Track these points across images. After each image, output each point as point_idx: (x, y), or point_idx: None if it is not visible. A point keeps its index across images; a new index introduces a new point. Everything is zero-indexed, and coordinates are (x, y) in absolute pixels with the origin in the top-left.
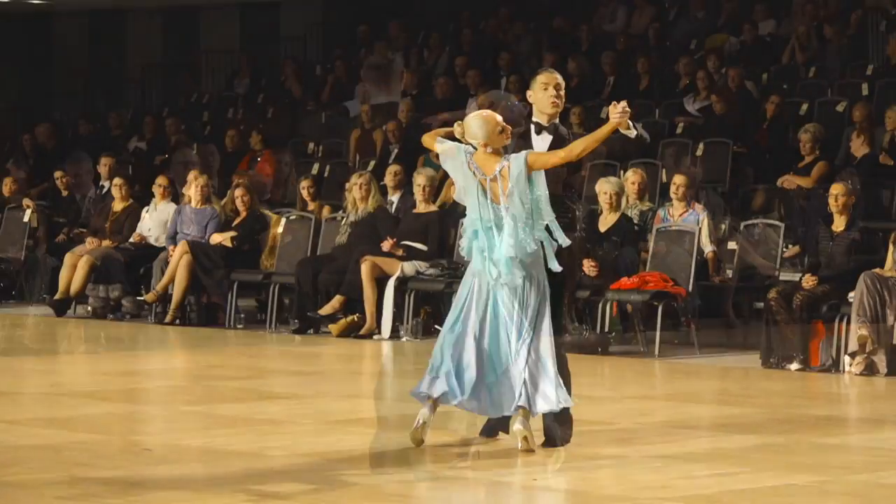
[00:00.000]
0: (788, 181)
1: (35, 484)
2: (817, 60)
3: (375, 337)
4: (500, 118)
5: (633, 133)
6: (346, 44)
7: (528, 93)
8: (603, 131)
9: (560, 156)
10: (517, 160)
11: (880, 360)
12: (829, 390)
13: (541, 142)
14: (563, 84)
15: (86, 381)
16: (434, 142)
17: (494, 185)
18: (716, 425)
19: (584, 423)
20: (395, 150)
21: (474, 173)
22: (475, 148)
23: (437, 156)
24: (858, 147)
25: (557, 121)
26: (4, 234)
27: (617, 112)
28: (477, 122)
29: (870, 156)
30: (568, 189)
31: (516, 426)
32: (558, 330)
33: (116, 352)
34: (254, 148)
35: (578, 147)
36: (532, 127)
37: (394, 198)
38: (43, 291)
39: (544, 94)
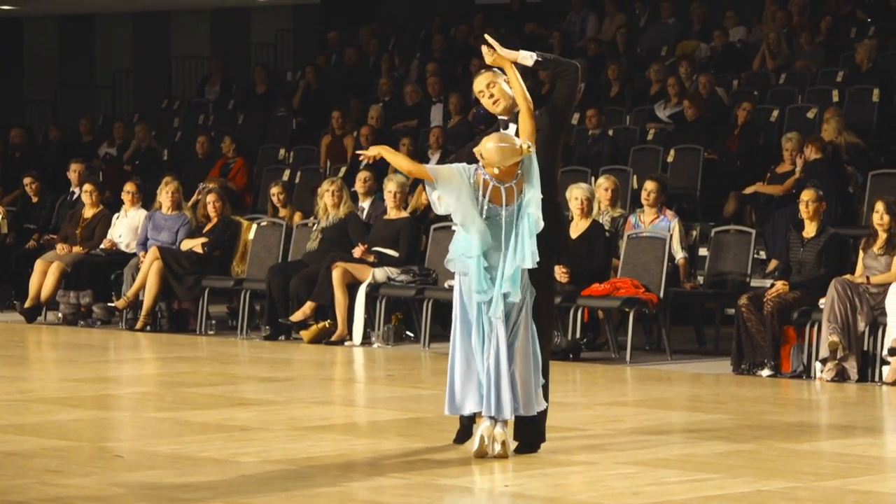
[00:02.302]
0: (760, 189)
1: (5, 490)
2: (788, 67)
3: (347, 343)
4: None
5: (524, 56)
6: (316, 50)
7: None
8: (511, 77)
9: (523, 110)
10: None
11: (851, 367)
12: (800, 396)
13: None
14: (495, 80)
15: (56, 388)
16: (425, 171)
17: (510, 189)
18: (687, 431)
19: (556, 429)
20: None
21: (481, 184)
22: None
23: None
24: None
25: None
26: None
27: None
28: (508, 145)
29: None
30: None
31: (497, 430)
32: (544, 330)
33: (87, 358)
34: (225, 154)
35: (520, 95)
36: (500, 124)
37: (364, 204)
38: (13, 298)
39: (483, 100)
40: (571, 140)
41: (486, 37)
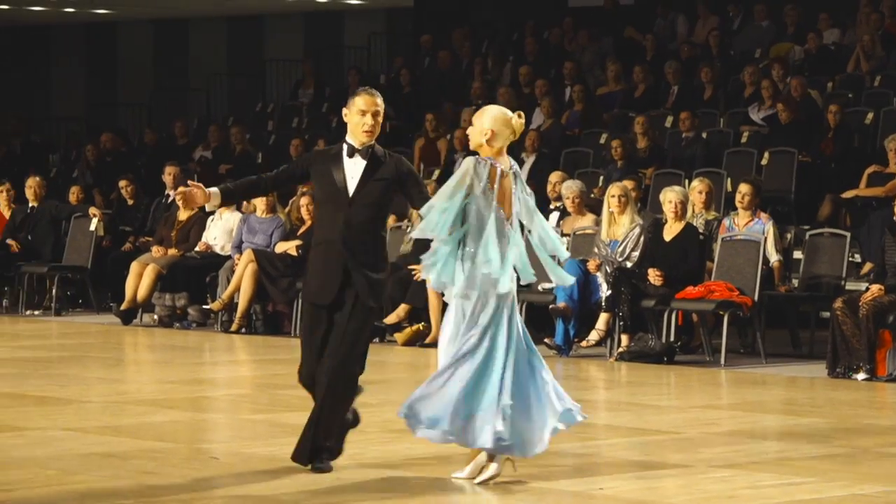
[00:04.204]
0: (860, 193)
1: (103, 492)
2: (882, 69)
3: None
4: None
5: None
6: (409, 53)
7: (344, 111)
8: None
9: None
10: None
11: None
12: None
13: (353, 165)
14: (382, 110)
15: (152, 390)
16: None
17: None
18: (782, 435)
19: (650, 432)
20: (460, 159)
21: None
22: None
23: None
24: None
25: (374, 142)
26: (71, 242)
27: None
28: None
29: None
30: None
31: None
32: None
33: (182, 360)
34: None
35: None
36: (344, 147)
37: None
38: (109, 300)
39: (360, 119)
40: (665, 142)
41: None
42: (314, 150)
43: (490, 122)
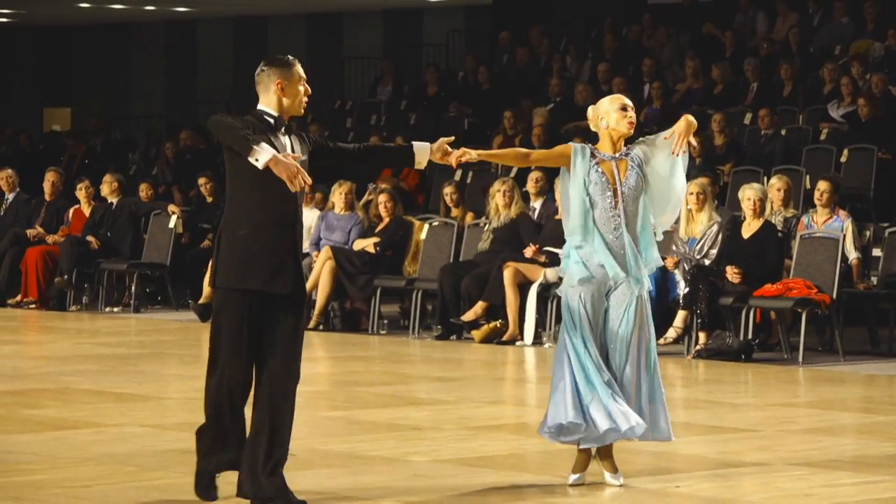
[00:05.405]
0: None
1: (181, 488)
2: None
3: (518, 343)
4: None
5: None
6: (487, 50)
7: (278, 82)
8: None
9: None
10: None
11: None
12: None
13: (287, 142)
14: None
15: None
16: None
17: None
18: (860, 433)
19: (728, 430)
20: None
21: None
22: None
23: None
24: None
25: None
26: (150, 239)
27: None
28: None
29: None
30: None
31: None
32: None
33: None
34: None
35: None
36: (271, 121)
37: (535, 204)
38: (188, 297)
39: (304, 89)
40: (743, 139)
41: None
42: (226, 116)
43: None
